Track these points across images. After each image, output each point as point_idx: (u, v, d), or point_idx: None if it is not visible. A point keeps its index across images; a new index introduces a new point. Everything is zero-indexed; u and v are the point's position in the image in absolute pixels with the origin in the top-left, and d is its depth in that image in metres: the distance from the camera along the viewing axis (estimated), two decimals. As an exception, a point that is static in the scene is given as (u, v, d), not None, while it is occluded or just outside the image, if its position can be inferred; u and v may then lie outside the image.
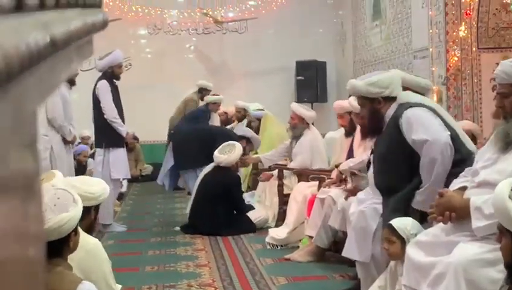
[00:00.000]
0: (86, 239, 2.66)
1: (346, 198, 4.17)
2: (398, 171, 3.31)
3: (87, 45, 0.84)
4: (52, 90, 0.72)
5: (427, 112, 3.28)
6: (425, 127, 3.20)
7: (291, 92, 11.51)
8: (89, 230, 2.78)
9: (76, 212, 2.21)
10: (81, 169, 7.82)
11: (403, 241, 2.97)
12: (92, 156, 8.22)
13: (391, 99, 3.41)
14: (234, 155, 6.20)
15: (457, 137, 3.25)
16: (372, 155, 3.63)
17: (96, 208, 2.87)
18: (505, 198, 1.95)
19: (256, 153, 7.29)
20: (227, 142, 6.34)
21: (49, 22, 0.63)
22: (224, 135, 7.02)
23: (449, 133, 3.18)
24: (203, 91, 9.20)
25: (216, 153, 6.22)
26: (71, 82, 6.30)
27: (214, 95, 8.56)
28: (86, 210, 2.74)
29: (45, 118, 6.15)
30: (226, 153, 6.21)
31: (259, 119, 7.57)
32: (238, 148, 6.27)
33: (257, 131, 7.54)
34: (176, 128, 7.44)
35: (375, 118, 3.47)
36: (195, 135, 7.09)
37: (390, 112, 3.40)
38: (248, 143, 7.02)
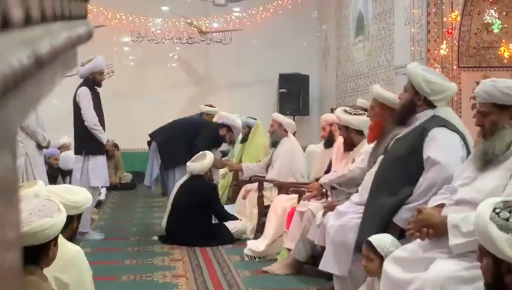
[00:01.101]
0: (67, 247, 2.65)
1: (323, 214, 4.18)
2: (402, 175, 3.26)
3: (72, 58, 0.83)
4: (36, 106, 0.72)
5: (456, 138, 3.22)
6: (446, 152, 3.15)
7: (274, 104, 11.54)
8: (71, 239, 2.77)
9: (60, 220, 2.20)
10: (53, 173, 7.73)
11: (382, 259, 2.96)
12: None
13: (430, 105, 3.35)
14: (206, 161, 6.18)
15: None
16: (383, 155, 3.54)
17: (79, 217, 2.87)
18: (486, 219, 1.94)
19: (241, 161, 7.30)
20: (199, 153, 6.32)
21: (34, 40, 0.63)
22: (205, 125, 6.98)
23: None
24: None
25: (188, 163, 6.20)
26: None
27: (209, 106, 8.52)
28: (69, 219, 2.73)
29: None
30: (198, 161, 6.19)
31: (249, 127, 7.54)
32: (209, 155, 6.26)
33: (246, 138, 7.53)
34: (157, 130, 7.31)
35: (407, 110, 3.40)
36: (178, 131, 6.97)
37: (422, 116, 3.34)
38: (229, 131, 6.98)
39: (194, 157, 6.28)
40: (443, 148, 3.16)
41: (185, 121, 7.29)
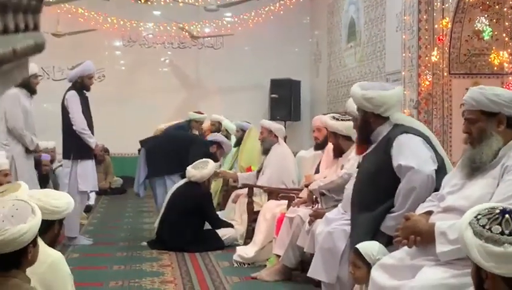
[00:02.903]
0: (48, 252, 2.62)
1: (309, 223, 4.16)
2: (378, 191, 3.28)
3: (18, 70, 0.81)
4: None
5: (420, 140, 3.27)
6: (414, 155, 3.18)
7: (265, 109, 11.54)
8: (52, 244, 2.75)
9: (34, 223, 2.17)
10: (43, 179, 7.68)
11: (369, 266, 2.95)
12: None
13: (383, 117, 3.41)
14: (206, 171, 6.17)
15: (443, 168, 3.24)
16: (353, 171, 3.61)
17: (60, 221, 2.84)
18: (466, 224, 1.94)
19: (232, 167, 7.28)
20: (201, 159, 6.32)
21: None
22: (196, 142, 7.02)
23: (435, 167, 3.17)
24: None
25: (189, 168, 6.20)
26: (31, 91, 6.20)
27: (198, 113, 8.48)
28: (50, 224, 2.70)
29: (5, 128, 6.06)
30: (199, 169, 6.18)
31: (243, 131, 7.52)
32: (211, 165, 6.25)
33: (239, 142, 7.52)
34: (147, 138, 7.32)
35: (364, 130, 3.48)
36: (167, 142, 7.01)
37: (383, 129, 3.40)
38: (219, 148, 7.01)
39: (194, 163, 6.27)
40: (411, 153, 3.20)
41: (177, 134, 7.28)
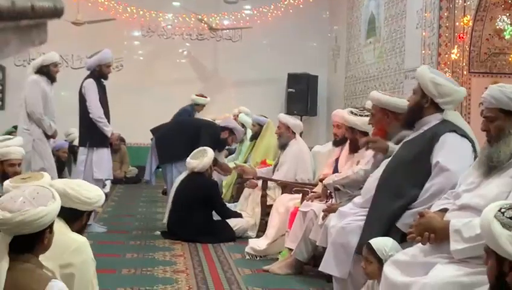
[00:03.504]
0: (73, 237, 2.70)
1: (323, 218, 4.15)
2: (409, 180, 3.21)
3: (36, 30, 0.81)
4: None
5: (466, 144, 3.18)
6: (456, 158, 3.09)
7: (281, 103, 11.52)
8: (79, 233, 2.80)
9: (54, 207, 2.20)
10: (60, 165, 7.75)
11: (381, 262, 2.94)
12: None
13: (438, 108, 3.31)
14: (207, 159, 6.15)
15: None
16: (390, 156, 3.50)
17: (89, 214, 2.91)
18: (491, 217, 1.97)
19: (246, 161, 7.28)
20: (197, 149, 6.28)
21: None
22: (206, 126, 6.91)
23: None
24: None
25: (188, 159, 6.16)
26: (51, 78, 6.30)
27: (200, 96, 8.57)
28: (79, 214, 2.77)
29: (26, 113, 6.17)
30: (199, 158, 6.16)
31: (260, 125, 7.51)
32: (210, 152, 6.22)
33: (255, 136, 7.51)
34: (158, 126, 7.31)
35: (415, 113, 3.36)
36: (177, 128, 6.96)
37: (431, 120, 3.30)
38: (231, 134, 6.92)
39: (192, 153, 6.22)
40: (453, 155, 3.12)
41: (186, 120, 7.24)
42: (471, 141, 3.23)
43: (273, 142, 7.07)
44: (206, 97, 8.58)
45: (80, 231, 2.83)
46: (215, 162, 6.55)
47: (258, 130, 7.49)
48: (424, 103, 3.32)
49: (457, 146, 3.17)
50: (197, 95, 8.79)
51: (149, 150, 7.08)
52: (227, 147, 8.36)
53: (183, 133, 6.74)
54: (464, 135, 3.23)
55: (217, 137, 6.76)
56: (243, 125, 8.19)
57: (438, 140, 3.17)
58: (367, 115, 4.27)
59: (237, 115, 8.60)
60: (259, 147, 7.33)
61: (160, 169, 6.95)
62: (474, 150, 3.20)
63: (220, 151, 7.00)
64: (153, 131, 7.06)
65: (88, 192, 2.80)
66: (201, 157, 6.16)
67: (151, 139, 7.06)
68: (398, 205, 3.19)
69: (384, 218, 3.23)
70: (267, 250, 5.24)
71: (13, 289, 2.06)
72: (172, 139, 6.69)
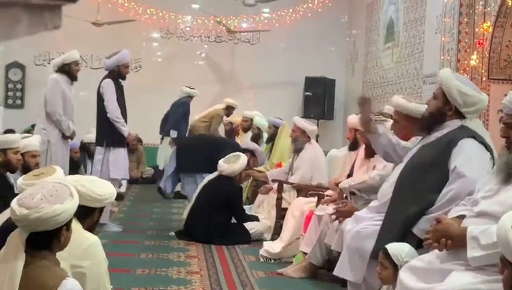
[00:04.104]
0: (85, 236, 2.69)
1: (338, 220, 4.13)
2: (425, 184, 3.19)
3: (49, 13, 0.81)
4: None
5: (484, 151, 3.16)
6: (473, 165, 3.07)
7: (298, 107, 11.50)
8: (90, 230, 2.80)
9: (71, 206, 2.21)
10: (72, 166, 7.80)
11: (396, 268, 2.92)
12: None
13: (460, 115, 3.27)
14: (238, 165, 6.19)
15: None
16: (407, 158, 3.47)
17: (101, 210, 2.90)
18: (508, 227, 1.94)
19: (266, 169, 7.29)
20: (233, 153, 6.34)
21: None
22: (229, 145, 7.02)
23: None
24: (229, 109, 9.40)
25: (221, 162, 6.23)
26: (72, 78, 6.35)
27: (191, 88, 8.92)
28: (91, 210, 2.76)
29: (44, 113, 6.22)
30: (230, 163, 6.20)
31: (276, 127, 7.52)
32: (242, 159, 6.26)
33: (272, 138, 7.52)
34: (182, 136, 7.42)
35: (436, 118, 3.32)
36: (201, 141, 7.08)
37: (450, 124, 3.28)
38: (252, 156, 6.98)
39: (227, 156, 6.28)
40: (471, 161, 3.09)
41: (210, 137, 7.33)
42: (489, 148, 3.19)
43: (288, 144, 7.07)
44: (194, 89, 9.00)
45: (92, 228, 2.82)
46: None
47: (274, 132, 7.50)
48: (447, 110, 3.28)
49: (476, 153, 3.14)
50: (187, 87, 9.09)
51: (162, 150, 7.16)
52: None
53: (204, 147, 6.81)
54: (483, 142, 3.20)
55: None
56: (259, 129, 8.21)
57: (456, 145, 3.14)
58: (383, 120, 4.24)
59: (252, 119, 8.65)
60: (277, 150, 7.33)
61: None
62: (492, 158, 3.17)
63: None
64: (177, 141, 7.15)
65: (100, 189, 2.78)
66: (232, 163, 6.19)
67: (173, 140, 7.14)
68: (415, 210, 3.17)
69: (400, 223, 3.21)
70: (282, 253, 5.23)
71: (29, 285, 2.08)
72: (194, 152, 6.77)
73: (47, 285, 2.08)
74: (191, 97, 8.83)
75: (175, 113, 8.71)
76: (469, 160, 3.10)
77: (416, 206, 3.18)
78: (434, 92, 3.41)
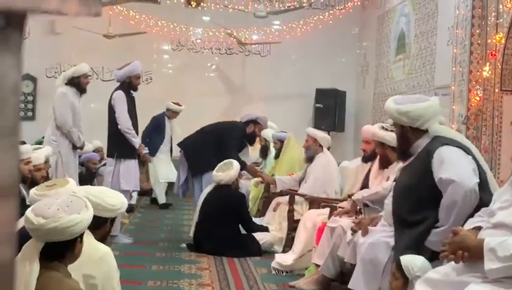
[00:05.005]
0: (97, 247, 2.68)
1: (353, 232, 4.10)
2: (419, 205, 3.23)
3: None
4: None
5: (462, 152, 3.21)
6: (456, 168, 3.12)
7: (309, 119, 11.48)
8: (102, 241, 2.80)
9: (87, 216, 2.21)
10: (88, 177, 7.81)
11: (407, 280, 2.90)
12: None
13: (421, 130, 3.35)
14: (233, 171, 6.13)
15: (486, 182, 3.17)
16: (394, 183, 3.56)
17: (112, 220, 2.90)
18: None
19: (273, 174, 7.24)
20: (223, 162, 6.25)
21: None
22: (229, 129, 6.78)
23: (478, 180, 3.10)
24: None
25: (214, 172, 6.14)
26: (81, 90, 6.37)
27: (176, 104, 9.08)
28: (103, 221, 2.75)
29: (54, 125, 6.24)
30: (225, 171, 6.14)
31: (281, 141, 7.47)
32: (235, 164, 6.20)
33: (278, 153, 7.48)
34: (184, 139, 7.31)
35: (403, 144, 3.43)
36: (203, 138, 6.84)
37: (422, 142, 3.34)
38: (256, 124, 6.84)
39: (218, 166, 6.20)
40: (452, 166, 3.13)
41: (207, 129, 7.12)
42: (463, 147, 3.25)
43: (297, 155, 7.03)
44: (180, 106, 9.29)
45: (104, 238, 2.82)
46: (243, 166, 6.54)
47: (280, 147, 7.46)
48: (406, 133, 3.37)
49: (453, 157, 3.19)
50: (172, 102, 9.33)
51: (178, 163, 7.10)
52: (253, 161, 8.35)
53: (208, 143, 6.68)
54: (456, 145, 3.25)
55: (243, 135, 6.72)
56: (266, 140, 8.16)
57: (433, 157, 3.19)
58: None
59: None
60: (283, 163, 7.25)
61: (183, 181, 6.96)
62: (472, 156, 3.23)
63: (252, 145, 7.02)
64: (180, 145, 7.07)
65: (110, 199, 2.79)
66: (227, 170, 6.14)
67: (180, 152, 7.07)
68: (421, 229, 3.20)
69: (411, 241, 3.22)
70: (294, 265, 5.19)
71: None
72: (201, 151, 6.67)
73: None
74: (174, 112, 9.23)
75: (146, 129, 9.13)
76: (450, 165, 3.14)
77: (420, 226, 3.21)
78: (392, 124, 3.62)
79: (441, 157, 3.17)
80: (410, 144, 3.37)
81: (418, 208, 3.23)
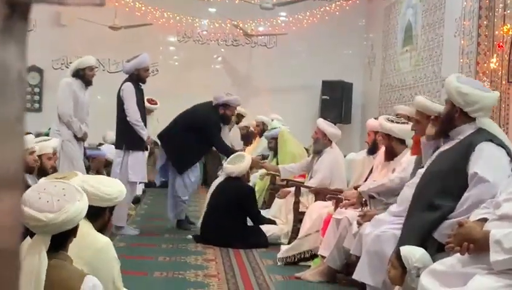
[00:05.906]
0: (96, 237, 2.67)
1: (358, 224, 4.10)
2: (445, 191, 3.16)
3: None
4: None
5: (504, 154, 3.14)
6: (494, 169, 3.05)
7: (315, 111, 11.46)
8: (102, 231, 2.78)
9: (86, 200, 2.22)
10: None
11: (405, 270, 2.90)
12: None
13: (469, 117, 3.27)
14: (244, 164, 6.17)
15: None
16: (426, 166, 3.46)
17: (111, 209, 2.86)
18: None
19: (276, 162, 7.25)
20: (235, 154, 6.35)
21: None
22: (204, 121, 6.71)
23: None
24: (239, 117, 9.87)
25: (225, 164, 6.21)
26: (87, 82, 6.38)
27: (151, 101, 9.17)
28: (101, 210, 2.74)
29: (57, 114, 6.29)
30: (236, 164, 6.17)
31: (275, 139, 7.50)
32: (247, 157, 6.25)
33: (275, 152, 7.49)
34: (163, 132, 7.26)
35: (447, 123, 3.34)
36: (184, 136, 6.76)
37: (466, 129, 3.26)
38: (227, 107, 6.77)
39: (229, 158, 6.26)
40: (491, 166, 3.06)
41: (186, 120, 7.03)
42: (507, 149, 3.17)
43: (296, 151, 7.04)
44: (156, 104, 9.35)
45: (103, 228, 2.79)
46: (232, 152, 6.63)
47: (275, 145, 7.48)
48: (454, 113, 3.29)
49: (495, 156, 3.11)
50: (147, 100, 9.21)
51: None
52: (261, 153, 8.37)
53: (190, 139, 6.62)
54: (501, 144, 3.17)
55: (219, 120, 6.73)
56: (263, 124, 8.31)
57: (474, 149, 3.12)
58: (404, 122, 4.21)
59: (263, 123, 8.71)
60: (284, 157, 7.22)
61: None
62: (511, 158, 3.15)
63: (227, 124, 7.01)
64: (159, 138, 7.08)
65: (107, 188, 2.73)
66: (238, 163, 6.17)
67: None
68: (434, 217, 3.14)
69: (420, 228, 3.18)
70: (298, 246, 5.14)
71: (50, 286, 2.08)
72: (183, 150, 6.65)
73: (70, 284, 2.08)
74: (148, 110, 8.82)
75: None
76: (489, 164, 3.07)
77: (435, 213, 3.15)
78: (445, 99, 3.45)
79: (482, 152, 3.10)
80: (453, 126, 3.29)
81: (444, 194, 3.15)
